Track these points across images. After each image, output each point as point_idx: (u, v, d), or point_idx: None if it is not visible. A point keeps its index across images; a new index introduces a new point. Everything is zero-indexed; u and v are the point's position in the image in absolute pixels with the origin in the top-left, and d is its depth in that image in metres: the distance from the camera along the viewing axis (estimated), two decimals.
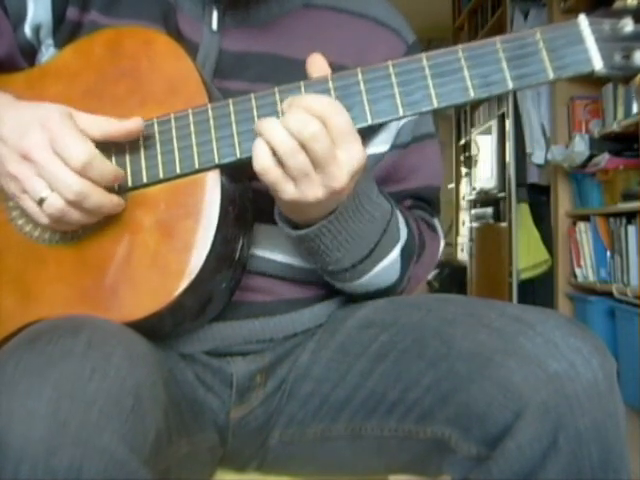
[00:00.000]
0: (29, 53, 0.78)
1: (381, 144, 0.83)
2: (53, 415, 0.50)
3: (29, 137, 0.64)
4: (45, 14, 0.76)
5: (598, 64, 0.62)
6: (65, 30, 0.76)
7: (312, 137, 0.60)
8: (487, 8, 4.11)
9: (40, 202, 0.64)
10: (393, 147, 0.83)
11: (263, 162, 0.62)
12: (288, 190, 0.63)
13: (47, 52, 0.77)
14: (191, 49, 0.74)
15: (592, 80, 2.91)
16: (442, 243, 0.89)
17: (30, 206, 0.65)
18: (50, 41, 0.77)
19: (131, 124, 0.67)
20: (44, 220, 0.65)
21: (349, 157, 0.62)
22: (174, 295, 0.64)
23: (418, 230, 0.82)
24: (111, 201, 0.66)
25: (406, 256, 0.78)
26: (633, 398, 2.24)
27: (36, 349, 0.55)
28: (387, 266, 0.76)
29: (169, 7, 0.77)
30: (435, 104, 0.63)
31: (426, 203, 0.88)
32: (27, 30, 0.77)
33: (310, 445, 0.78)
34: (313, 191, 0.62)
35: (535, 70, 0.62)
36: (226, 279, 0.70)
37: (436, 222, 0.89)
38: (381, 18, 0.83)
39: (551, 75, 0.62)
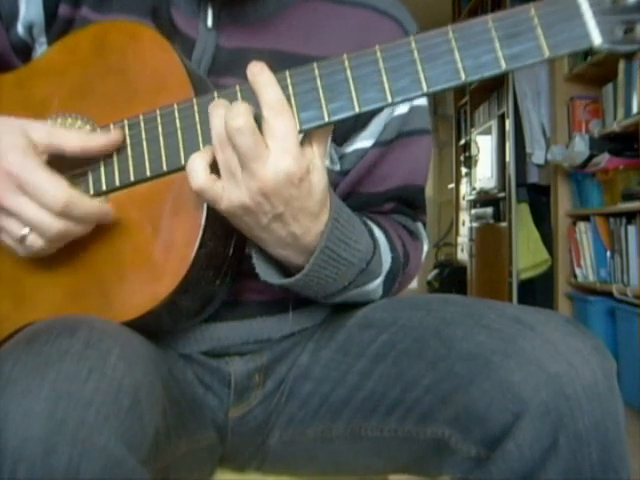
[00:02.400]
0: (24, 52, 0.78)
1: (366, 139, 0.81)
2: (51, 415, 0.50)
3: None
4: (37, 12, 0.76)
5: (597, 39, 0.58)
6: (58, 27, 0.76)
7: (238, 130, 0.59)
8: (487, 8, 4.11)
9: (21, 240, 0.64)
10: (377, 144, 0.81)
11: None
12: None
13: (41, 50, 0.77)
14: (187, 45, 0.74)
15: (592, 80, 2.92)
16: (425, 247, 0.88)
17: (10, 243, 0.65)
18: (43, 39, 0.77)
19: (109, 136, 0.66)
20: (24, 254, 0.65)
21: (275, 161, 0.59)
22: (165, 293, 0.64)
23: (402, 247, 0.81)
24: (97, 217, 0.66)
25: (389, 281, 0.78)
26: (633, 398, 2.24)
27: (33, 349, 0.55)
28: (366, 292, 0.76)
29: (161, 2, 0.76)
30: (425, 88, 0.61)
31: (408, 205, 0.86)
32: (20, 29, 0.77)
33: (310, 445, 0.78)
34: (237, 193, 0.61)
35: (529, 48, 0.59)
36: (220, 276, 0.69)
37: (419, 226, 0.87)
38: (382, 7, 0.81)
39: (547, 53, 0.59)
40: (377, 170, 0.81)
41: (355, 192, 0.81)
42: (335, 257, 0.67)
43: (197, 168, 0.61)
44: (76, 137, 0.66)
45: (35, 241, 0.64)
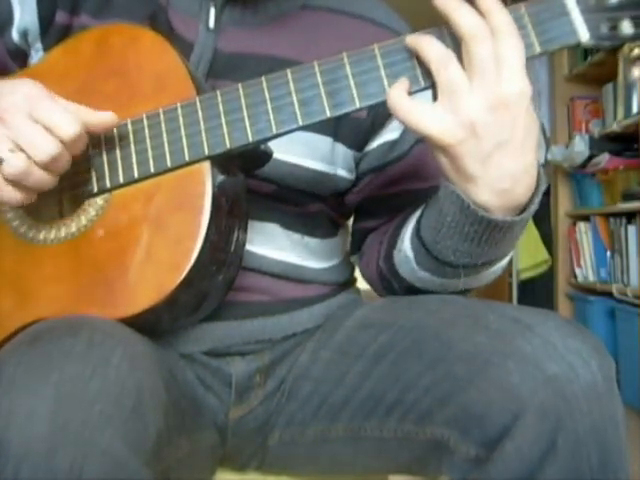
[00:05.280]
0: (20, 57, 0.79)
1: (390, 132, 0.82)
2: (54, 415, 0.50)
3: (8, 99, 0.63)
4: (32, 19, 0.77)
5: (584, 36, 0.61)
6: (54, 34, 0.76)
7: (474, 37, 0.60)
8: None
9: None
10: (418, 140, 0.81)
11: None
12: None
13: (37, 56, 0.78)
14: (185, 48, 0.74)
15: (592, 80, 2.92)
16: None
17: None
18: (39, 45, 0.78)
19: (105, 117, 0.66)
20: None
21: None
22: (170, 289, 0.64)
23: None
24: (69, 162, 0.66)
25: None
26: (633, 398, 2.24)
27: (37, 349, 0.56)
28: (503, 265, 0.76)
29: (159, 7, 0.77)
30: (422, 84, 0.64)
31: None
32: (15, 35, 0.78)
33: (310, 445, 0.78)
34: (472, 103, 0.60)
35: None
36: (222, 271, 0.70)
37: None
38: (380, 19, 0.82)
39: (537, 49, 0.62)
40: (425, 169, 0.82)
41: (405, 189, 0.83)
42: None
43: (401, 94, 0.62)
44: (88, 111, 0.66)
45: (16, 162, 0.61)
